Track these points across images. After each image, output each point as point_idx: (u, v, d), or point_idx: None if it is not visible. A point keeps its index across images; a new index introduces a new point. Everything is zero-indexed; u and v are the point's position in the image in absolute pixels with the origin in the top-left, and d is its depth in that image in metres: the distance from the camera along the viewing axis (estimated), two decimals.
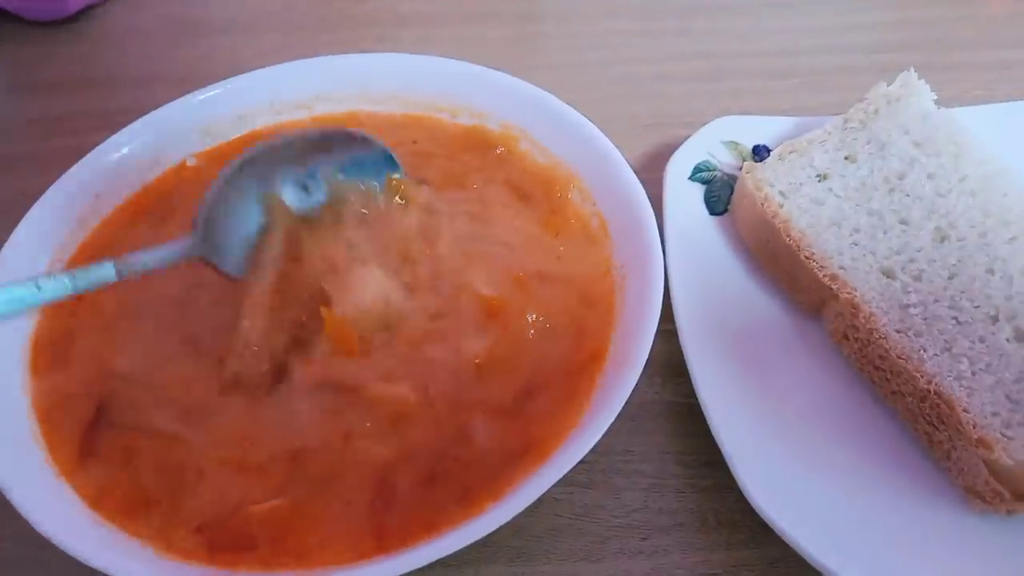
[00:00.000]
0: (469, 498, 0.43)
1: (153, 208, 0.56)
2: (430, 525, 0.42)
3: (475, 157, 0.58)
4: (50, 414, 0.46)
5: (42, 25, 0.83)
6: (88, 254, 0.53)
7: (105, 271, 0.46)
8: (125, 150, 0.56)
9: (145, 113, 0.58)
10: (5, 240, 0.51)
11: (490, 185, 0.56)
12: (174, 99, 0.59)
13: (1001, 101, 0.67)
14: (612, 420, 0.42)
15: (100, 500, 0.43)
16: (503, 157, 0.58)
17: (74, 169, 0.54)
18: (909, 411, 0.50)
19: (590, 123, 0.57)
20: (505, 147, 0.59)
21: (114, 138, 0.56)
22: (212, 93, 0.59)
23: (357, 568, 0.40)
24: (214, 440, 0.45)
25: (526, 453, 0.44)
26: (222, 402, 0.46)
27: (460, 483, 0.44)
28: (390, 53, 0.62)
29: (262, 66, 0.62)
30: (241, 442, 0.45)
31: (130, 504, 0.43)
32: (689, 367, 0.52)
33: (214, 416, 0.46)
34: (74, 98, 0.77)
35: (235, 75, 0.61)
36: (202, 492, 0.43)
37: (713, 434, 0.49)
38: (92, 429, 0.46)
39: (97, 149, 0.55)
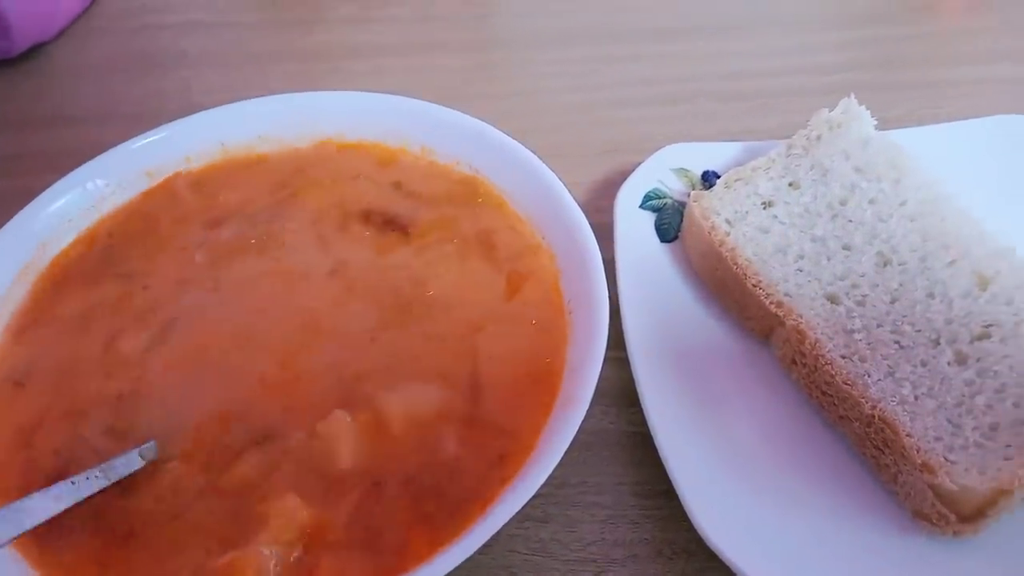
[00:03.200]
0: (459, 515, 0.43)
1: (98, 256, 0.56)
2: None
3: (455, 207, 0.58)
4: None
5: None
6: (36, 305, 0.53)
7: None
8: (65, 198, 0.56)
9: (94, 153, 0.58)
10: None
11: (460, 241, 0.56)
12: (124, 138, 0.59)
13: (943, 121, 0.68)
14: (554, 465, 0.42)
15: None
16: (481, 208, 0.58)
17: (16, 219, 0.54)
18: (857, 436, 0.51)
19: (533, 155, 0.57)
20: (486, 198, 0.58)
21: (56, 185, 0.56)
22: (156, 137, 0.59)
23: None
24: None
25: (502, 461, 0.45)
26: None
27: (444, 500, 0.44)
28: (337, 92, 0.62)
29: (213, 101, 0.62)
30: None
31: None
32: (640, 396, 0.52)
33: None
34: (22, 137, 0.77)
35: (186, 111, 0.61)
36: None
37: (664, 464, 0.49)
38: None
39: (39, 198, 0.55)
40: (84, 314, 0.53)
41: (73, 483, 0.43)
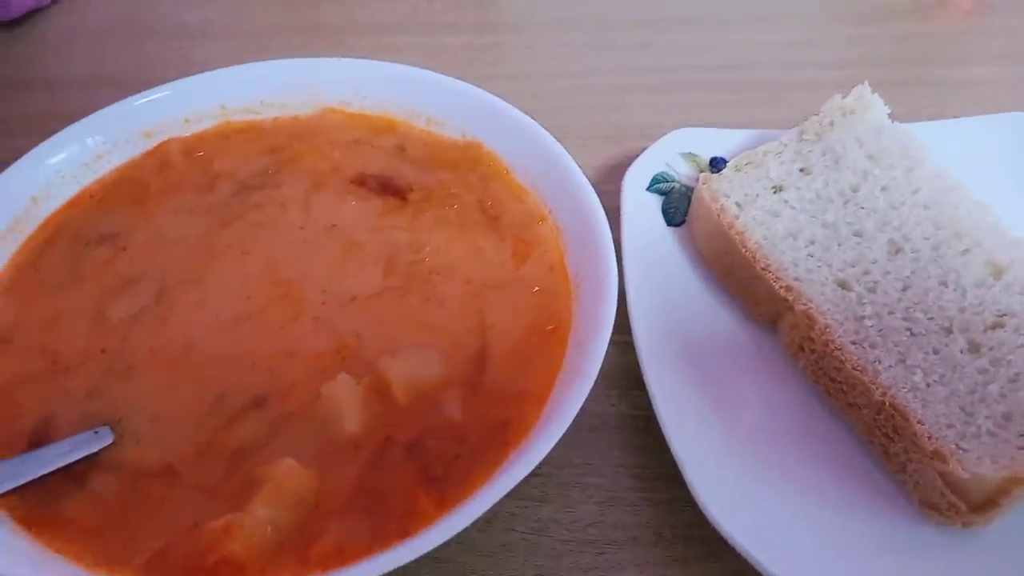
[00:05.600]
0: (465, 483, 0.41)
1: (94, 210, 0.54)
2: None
3: (457, 175, 0.57)
4: None
5: None
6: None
7: None
8: (63, 154, 0.54)
9: (84, 116, 0.56)
10: None
11: (461, 208, 0.55)
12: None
13: (950, 118, 0.67)
14: (560, 434, 0.41)
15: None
16: (484, 176, 0.56)
17: (9, 171, 0.52)
18: (864, 423, 0.50)
19: (546, 132, 0.55)
20: (490, 167, 0.57)
21: (54, 138, 0.54)
22: (156, 96, 0.57)
23: None
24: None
25: (505, 427, 0.43)
26: None
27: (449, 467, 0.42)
28: (343, 58, 0.60)
29: (211, 69, 0.60)
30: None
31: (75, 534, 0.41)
32: (645, 380, 0.51)
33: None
34: (15, 100, 0.75)
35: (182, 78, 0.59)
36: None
37: (669, 447, 0.48)
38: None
39: (35, 150, 0.53)
40: (73, 274, 0.51)
41: (42, 455, 0.42)
